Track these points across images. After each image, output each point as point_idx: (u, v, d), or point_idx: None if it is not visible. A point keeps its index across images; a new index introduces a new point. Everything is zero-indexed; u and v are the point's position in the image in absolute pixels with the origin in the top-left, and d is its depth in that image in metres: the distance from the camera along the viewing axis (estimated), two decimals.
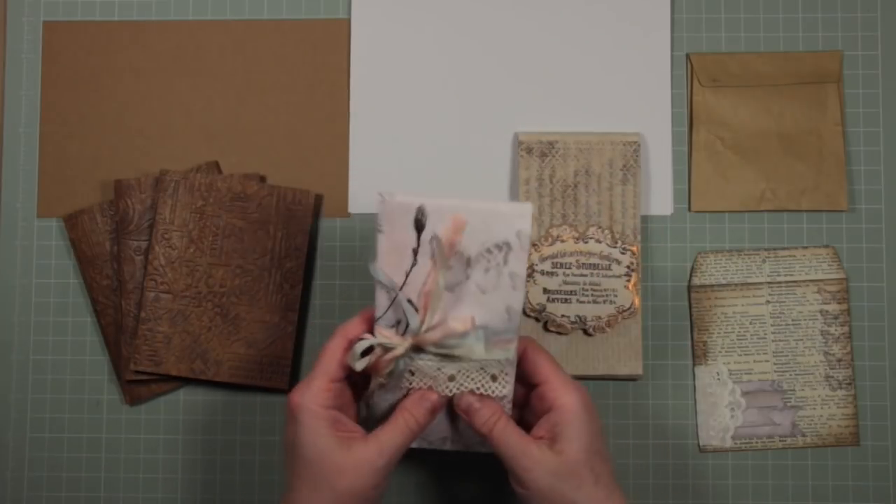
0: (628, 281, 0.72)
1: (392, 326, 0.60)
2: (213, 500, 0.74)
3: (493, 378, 0.61)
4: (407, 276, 0.59)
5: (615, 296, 0.72)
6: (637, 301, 0.72)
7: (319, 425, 0.58)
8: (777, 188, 0.74)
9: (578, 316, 0.72)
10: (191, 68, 0.76)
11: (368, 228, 0.75)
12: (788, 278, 0.73)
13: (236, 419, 0.74)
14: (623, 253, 0.72)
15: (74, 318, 0.75)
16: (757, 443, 0.73)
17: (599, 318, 0.72)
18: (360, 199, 0.75)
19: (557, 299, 0.72)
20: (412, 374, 0.61)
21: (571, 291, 0.72)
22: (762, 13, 0.75)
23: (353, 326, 0.61)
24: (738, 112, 0.75)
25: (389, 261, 0.59)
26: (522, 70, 0.75)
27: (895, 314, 0.74)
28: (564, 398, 0.60)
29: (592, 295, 0.72)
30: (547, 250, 0.72)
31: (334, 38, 0.76)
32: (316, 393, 0.59)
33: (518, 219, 0.58)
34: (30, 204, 0.76)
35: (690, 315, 0.74)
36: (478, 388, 0.61)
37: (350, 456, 0.58)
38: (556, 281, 0.72)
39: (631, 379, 0.73)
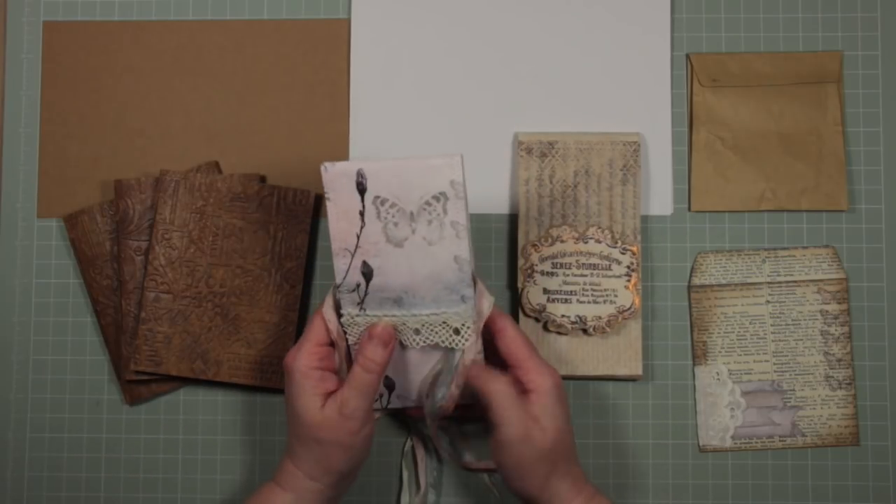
0: (628, 281, 0.72)
1: (353, 291, 0.63)
2: (213, 500, 0.74)
3: (456, 332, 0.64)
4: (358, 238, 0.63)
5: (615, 296, 0.72)
6: (637, 301, 0.72)
7: (306, 384, 0.64)
8: (777, 188, 0.74)
9: (578, 316, 0.72)
10: (191, 68, 0.76)
11: None
12: (788, 278, 0.73)
13: (236, 419, 0.74)
14: (623, 253, 0.72)
15: (74, 318, 0.75)
16: (757, 443, 0.73)
17: (599, 318, 0.72)
18: None
19: (557, 299, 0.72)
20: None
21: (571, 291, 0.72)
22: (762, 13, 0.75)
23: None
24: (738, 112, 0.74)
25: (340, 226, 0.63)
26: (522, 70, 0.75)
27: (895, 314, 0.74)
28: (538, 382, 0.64)
29: (592, 295, 0.72)
30: (547, 250, 0.72)
31: (334, 38, 0.76)
32: (305, 355, 0.64)
33: (449, 169, 0.61)
34: (30, 204, 0.76)
35: (690, 315, 0.74)
36: (442, 342, 0.64)
37: (322, 412, 0.63)
38: (556, 281, 0.72)
39: (631, 379, 0.73)
